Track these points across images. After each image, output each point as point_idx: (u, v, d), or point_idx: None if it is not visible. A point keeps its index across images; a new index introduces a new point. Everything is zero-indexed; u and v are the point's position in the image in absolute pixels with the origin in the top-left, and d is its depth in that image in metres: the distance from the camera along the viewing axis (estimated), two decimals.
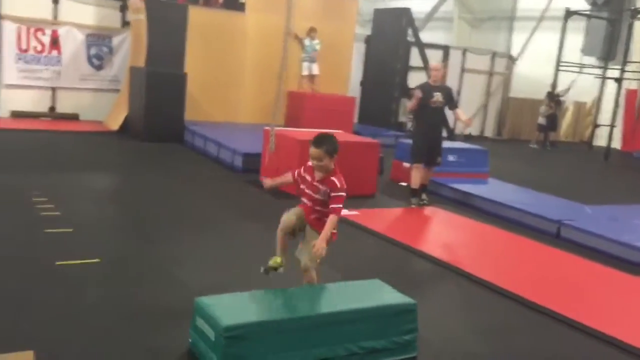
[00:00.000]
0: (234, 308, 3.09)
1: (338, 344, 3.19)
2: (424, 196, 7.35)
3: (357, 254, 5.37)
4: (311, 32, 11.45)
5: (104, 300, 3.82)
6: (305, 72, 11.52)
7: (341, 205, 3.58)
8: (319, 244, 3.43)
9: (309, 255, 3.55)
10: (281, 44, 11.49)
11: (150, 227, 5.53)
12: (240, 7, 11.42)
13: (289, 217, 3.71)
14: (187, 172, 8.39)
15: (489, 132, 17.03)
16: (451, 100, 7.32)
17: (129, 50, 11.36)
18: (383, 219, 6.53)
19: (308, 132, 8.22)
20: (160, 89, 10.03)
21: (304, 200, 3.73)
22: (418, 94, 7.05)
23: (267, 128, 8.01)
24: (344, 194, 3.59)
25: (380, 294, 3.51)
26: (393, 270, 5.04)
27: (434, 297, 4.62)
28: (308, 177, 3.70)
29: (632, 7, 14.84)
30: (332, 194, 3.56)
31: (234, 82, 11.43)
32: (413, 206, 7.17)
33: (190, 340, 3.22)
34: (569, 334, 4.05)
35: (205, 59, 11.01)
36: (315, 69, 11.56)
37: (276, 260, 3.72)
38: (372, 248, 5.63)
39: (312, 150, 3.57)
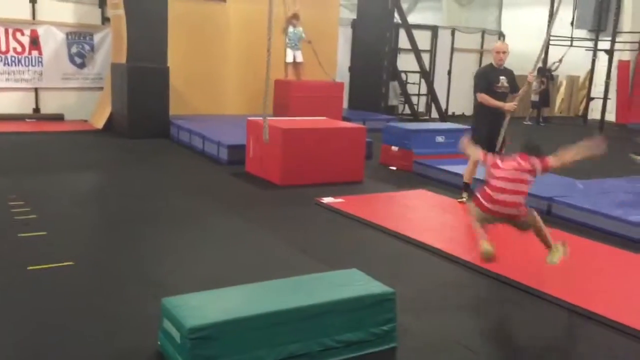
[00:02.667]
0: (200, 308, 2.96)
1: (312, 338, 3.08)
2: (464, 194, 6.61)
3: (341, 243, 5.25)
4: (293, 18, 11.26)
5: (73, 304, 3.71)
6: (289, 60, 11.35)
7: None
8: None
9: None
10: (264, 32, 11.40)
11: (130, 226, 5.41)
12: None
13: None
14: (171, 167, 8.26)
15: None
16: (514, 85, 6.45)
17: (111, 47, 11.19)
18: (369, 205, 6.39)
19: (291, 121, 8.10)
20: (142, 84, 9.88)
21: None
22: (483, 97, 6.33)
23: (250, 119, 7.88)
24: None
25: (356, 284, 3.38)
26: (378, 257, 4.92)
27: (419, 283, 4.50)
28: None
29: None
30: None
31: (218, 74, 11.27)
32: (462, 200, 6.55)
33: (159, 343, 3.11)
34: (554, 311, 3.93)
35: (188, 52, 10.85)
36: (299, 57, 11.38)
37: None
38: (358, 236, 5.49)
39: None
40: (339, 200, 6.41)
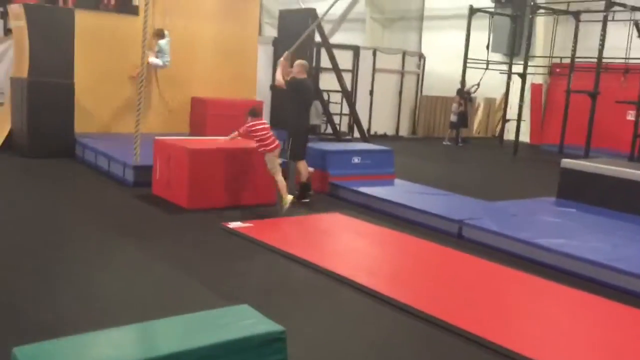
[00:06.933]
0: (58, 357, 2.60)
1: None
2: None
3: (244, 273, 4.95)
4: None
5: None
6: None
7: None
8: None
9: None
10: (180, 46, 11.00)
11: (10, 258, 4.91)
12: (133, 10, 10.76)
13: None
14: (72, 189, 7.72)
15: (403, 132, 17.05)
16: None
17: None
18: (278, 229, 6.15)
19: (200, 140, 7.78)
20: (45, 100, 9.27)
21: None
22: None
23: (157, 138, 7.51)
24: None
25: (244, 322, 3.09)
26: (281, 288, 4.68)
27: (321, 316, 4.26)
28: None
29: (532, 3, 15.18)
30: None
31: (130, 90, 10.75)
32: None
33: None
34: (461, 347, 3.79)
35: (98, 67, 10.29)
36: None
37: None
38: (263, 264, 5.22)
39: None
40: (247, 224, 6.12)
